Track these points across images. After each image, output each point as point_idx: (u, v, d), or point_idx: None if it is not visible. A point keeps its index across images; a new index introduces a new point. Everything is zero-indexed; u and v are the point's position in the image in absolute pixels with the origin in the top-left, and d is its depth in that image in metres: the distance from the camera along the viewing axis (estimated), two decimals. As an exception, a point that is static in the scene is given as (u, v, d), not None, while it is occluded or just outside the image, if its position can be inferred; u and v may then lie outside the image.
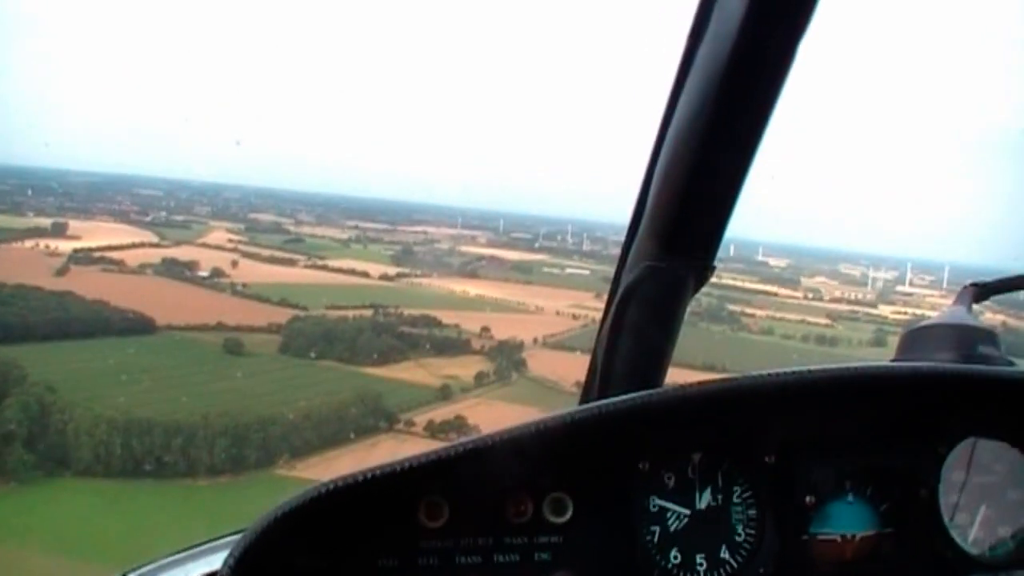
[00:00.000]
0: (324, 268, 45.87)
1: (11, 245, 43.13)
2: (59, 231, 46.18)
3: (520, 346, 35.48)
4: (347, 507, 1.59)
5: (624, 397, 1.71)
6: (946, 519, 1.99)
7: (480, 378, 32.96)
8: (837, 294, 41.94)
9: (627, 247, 2.24)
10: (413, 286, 44.81)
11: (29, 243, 43.67)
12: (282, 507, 1.49)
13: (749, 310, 40.33)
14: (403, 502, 1.69)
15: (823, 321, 38.30)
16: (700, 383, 1.77)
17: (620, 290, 2.20)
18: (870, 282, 40.47)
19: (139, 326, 33.70)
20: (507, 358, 34.29)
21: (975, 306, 2.47)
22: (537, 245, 49.33)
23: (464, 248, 50.49)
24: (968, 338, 2.23)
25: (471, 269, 47.03)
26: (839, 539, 1.93)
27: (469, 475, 1.64)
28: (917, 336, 2.35)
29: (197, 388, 29.73)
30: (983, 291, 2.46)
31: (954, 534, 1.99)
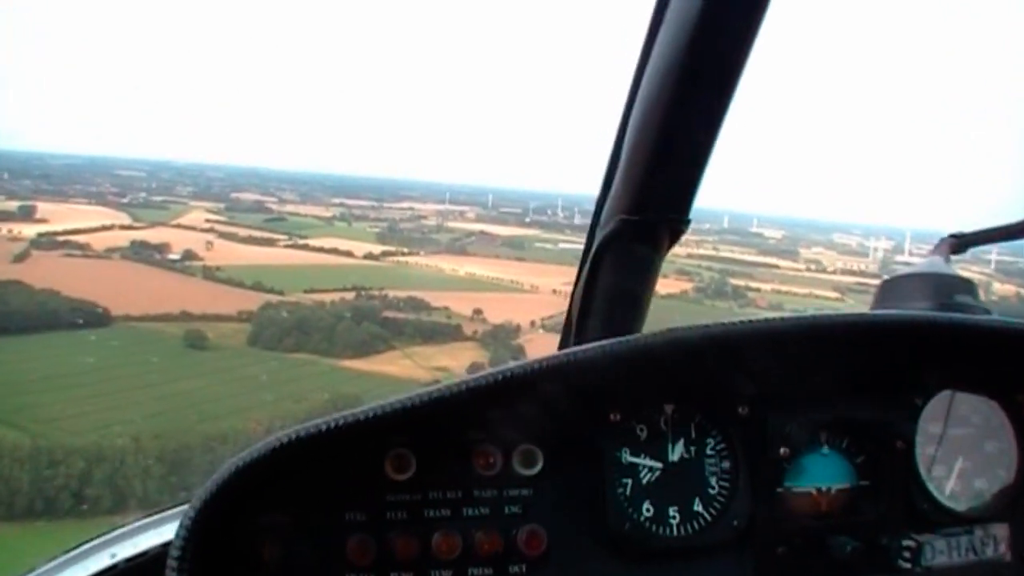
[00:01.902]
0: (305, 248, 41.82)
1: (-31, 230, 38.67)
2: (26, 214, 41.97)
3: (517, 330, 30.73)
4: (310, 459, 1.48)
5: (592, 344, 1.56)
6: (923, 472, 1.87)
7: (474, 369, 26.37)
8: (839, 265, 39.02)
9: (601, 202, 2.11)
10: (399, 265, 40.56)
11: None
12: (240, 459, 1.36)
13: (753, 284, 36.64)
14: (368, 454, 1.57)
15: (832, 294, 34.50)
16: (670, 330, 1.59)
17: (595, 244, 2.10)
18: (871, 252, 36.62)
19: (91, 318, 28.25)
20: (503, 344, 28.97)
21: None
22: (528, 220, 45.72)
23: (452, 224, 46.83)
24: (945, 287, 2.11)
25: (460, 245, 43.18)
26: (814, 492, 1.82)
27: (436, 426, 1.58)
28: (894, 286, 2.22)
29: (148, 391, 24.24)
30: (961, 242, 2.33)
31: (931, 487, 1.87)
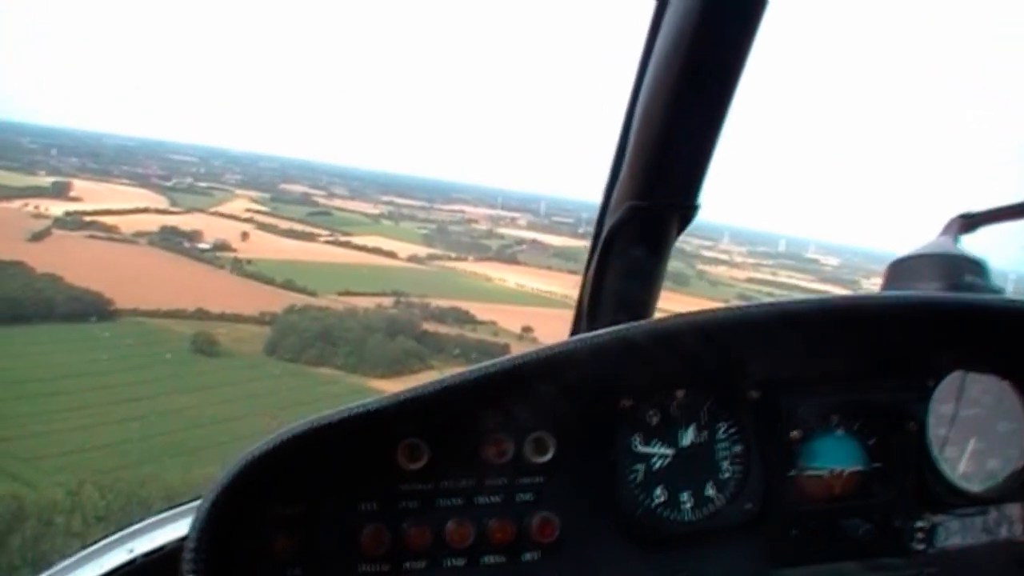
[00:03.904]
0: (347, 245, 38.40)
1: (-5, 204, 35.57)
2: (59, 191, 38.71)
3: (571, 355, 24.51)
4: (322, 451, 1.41)
5: (602, 331, 1.51)
6: (935, 452, 1.79)
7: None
8: (906, 298, 32.86)
9: (609, 189, 2.03)
10: (445, 271, 36.85)
11: (18, 203, 35.86)
12: (252, 452, 1.31)
13: (820, 314, 31.04)
14: (381, 444, 1.50)
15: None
16: (679, 315, 1.57)
17: (604, 232, 2.00)
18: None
19: (93, 310, 23.87)
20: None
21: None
22: (581, 230, 40.82)
23: (503, 230, 43.30)
24: (954, 267, 2.02)
25: (510, 253, 39.68)
26: (826, 474, 1.74)
27: (447, 414, 1.50)
28: (902, 267, 2.11)
29: (134, 407, 19.38)
30: (971, 222, 2.18)
31: (943, 468, 1.79)
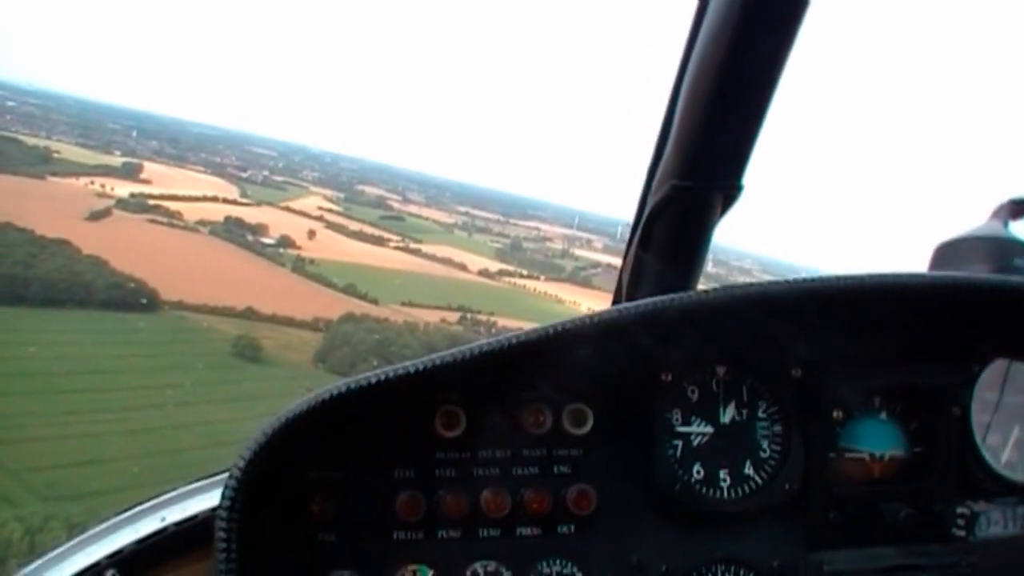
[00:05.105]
0: (417, 253, 37.19)
1: (64, 180, 34.42)
2: (129, 173, 38.14)
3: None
4: (360, 415, 1.33)
5: (644, 300, 1.41)
6: (978, 439, 1.64)
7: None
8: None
9: (653, 168, 1.76)
10: (515, 288, 35.04)
11: (84, 180, 35.33)
12: (290, 412, 1.20)
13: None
14: (418, 411, 1.40)
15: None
16: (724, 288, 1.46)
17: (646, 210, 1.75)
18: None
19: (133, 300, 21.83)
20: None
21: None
22: None
23: (578, 251, 42.44)
24: (1003, 251, 1.84)
25: (585, 276, 38.19)
26: (867, 457, 1.62)
27: (486, 382, 1.41)
28: (950, 249, 1.92)
29: (148, 416, 16.99)
30: (1022, 207, 1.90)
31: (986, 455, 1.64)
